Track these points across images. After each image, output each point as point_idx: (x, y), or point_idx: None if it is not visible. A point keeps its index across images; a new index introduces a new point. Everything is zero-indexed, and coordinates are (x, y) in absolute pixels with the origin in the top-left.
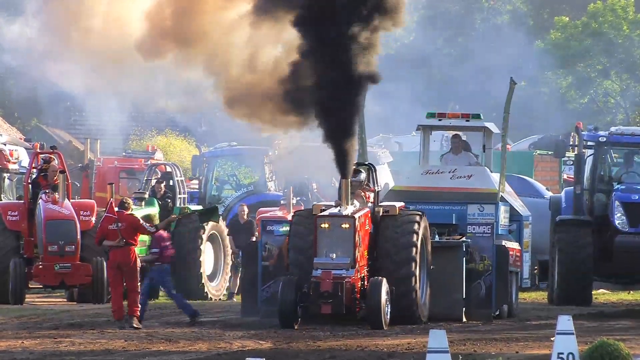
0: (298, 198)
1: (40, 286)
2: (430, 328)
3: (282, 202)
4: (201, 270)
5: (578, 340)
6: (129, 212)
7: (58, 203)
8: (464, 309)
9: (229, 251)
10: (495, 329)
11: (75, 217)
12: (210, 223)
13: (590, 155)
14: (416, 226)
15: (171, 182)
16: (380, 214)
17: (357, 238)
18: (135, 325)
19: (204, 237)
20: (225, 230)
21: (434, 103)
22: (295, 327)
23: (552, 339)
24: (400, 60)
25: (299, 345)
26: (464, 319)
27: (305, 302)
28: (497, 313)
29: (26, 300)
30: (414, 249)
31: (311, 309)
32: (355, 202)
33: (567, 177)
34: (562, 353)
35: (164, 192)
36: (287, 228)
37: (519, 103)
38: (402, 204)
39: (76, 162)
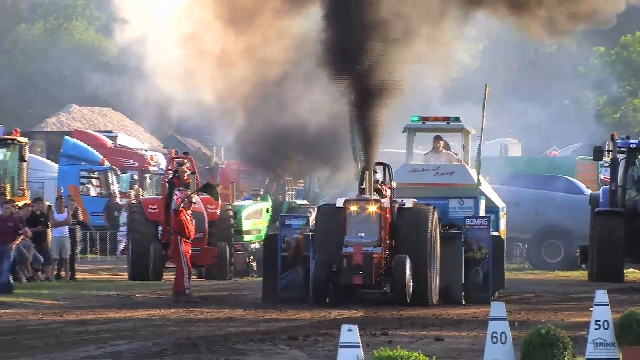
0: None
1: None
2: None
3: None
4: None
5: (612, 310)
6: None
7: None
8: (463, 293)
9: None
10: (544, 301)
11: (204, 209)
12: None
13: (623, 159)
14: (429, 218)
15: (281, 182)
16: (397, 206)
17: (382, 220)
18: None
19: None
20: None
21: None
22: (327, 301)
23: (590, 309)
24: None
25: (384, 314)
26: (463, 302)
27: (336, 277)
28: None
29: (163, 277)
30: (427, 239)
31: (343, 281)
32: (375, 194)
33: (604, 177)
34: (598, 320)
35: (275, 189)
36: (304, 222)
37: (565, 117)
38: (415, 199)
39: (204, 165)
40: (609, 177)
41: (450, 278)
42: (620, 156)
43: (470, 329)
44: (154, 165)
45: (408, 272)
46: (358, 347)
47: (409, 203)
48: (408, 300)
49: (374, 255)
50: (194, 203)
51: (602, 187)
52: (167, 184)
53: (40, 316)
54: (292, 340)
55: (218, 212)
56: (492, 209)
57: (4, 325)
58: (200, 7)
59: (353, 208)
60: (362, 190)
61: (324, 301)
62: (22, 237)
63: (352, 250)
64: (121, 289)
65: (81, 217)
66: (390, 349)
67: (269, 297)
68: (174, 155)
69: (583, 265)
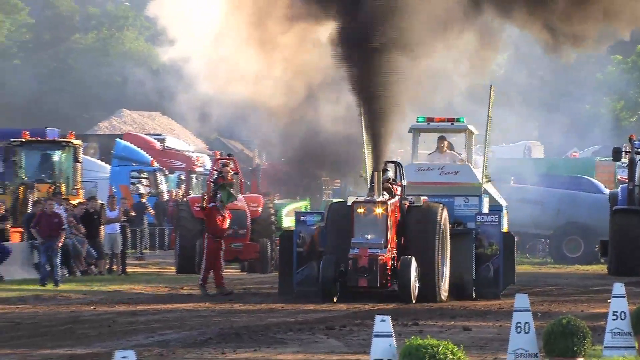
0: None
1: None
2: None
3: None
4: None
5: (628, 301)
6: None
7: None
8: (474, 288)
9: None
10: (565, 293)
11: (246, 207)
12: None
13: None
14: (438, 216)
15: (318, 182)
16: (407, 204)
17: (389, 222)
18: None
19: None
20: None
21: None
22: (335, 301)
23: (608, 301)
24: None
25: (416, 306)
26: (474, 297)
27: (343, 278)
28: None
29: None
30: (436, 236)
31: (349, 283)
32: (385, 194)
33: (621, 177)
34: (616, 311)
35: (313, 189)
36: (319, 218)
37: (584, 121)
38: (425, 197)
39: (247, 166)
40: (626, 177)
41: (462, 273)
42: (638, 157)
43: (496, 319)
44: (200, 166)
45: (414, 274)
46: (391, 336)
47: (419, 201)
48: (413, 301)
49: (380, 258)
50: (223, 202)
51: (620, 186)
52: (212, 184)
53: (93, 307)
54: (329, 330)
55: (260, 210)
56: (495, 207)
57: (59, 316)
58: (237, 23)
59: (360, 210)
60: (372, 189)
61: (332, 300)
62: (64, 234)
63: (358, 253)
64: (169, 282)
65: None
66: (421, 338)
67: (284, 292)
68: (218, 157)
69: (602, 259)
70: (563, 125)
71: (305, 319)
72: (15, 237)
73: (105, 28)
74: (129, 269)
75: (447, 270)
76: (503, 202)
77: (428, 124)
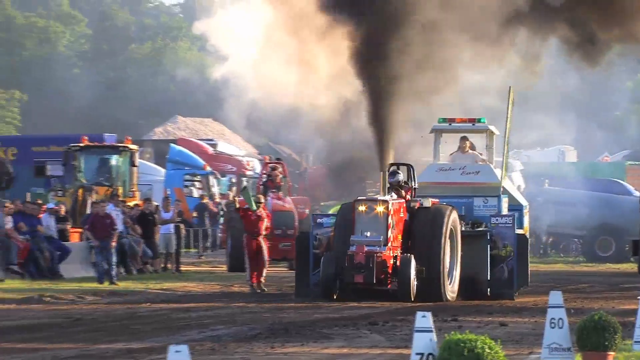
0: None
1: (269, 259)
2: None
3: None
4: None
5: None
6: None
7: (282, 199)
8: (488, 289)
9: None
10: (597, 290)
11: (294, 209)
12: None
13: None
14: (445, 217)
15: (362, 185)
16: (417, 206)
17: (389, 220)
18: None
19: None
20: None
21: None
22: (334, 298)
23: (638, 297)
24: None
25: (454, 304)
26: (489, 296)
27: (341, 274)
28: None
29: None
30: (442, 237)
31: (346, 279)
32: (393, 194)
33: None
34: None
35: (357, 191)
36: (335, 220)
37: (616, 127)
38: (436, 200)
39: (294, 169)
40: None
41: (477, 274)
42: None
43: (531, 315)
44: (250, 170)
45: (413, 272)
46: (431, 331)
47: (427, 203)
48: (412, 299)
49: (377, 255)
50: (261, 203)
51: None
52: (261, 187)
53: (148, 304)
54: (372, 326)
55: (307, 211)
56: (516, 206)
57: (116, 312)
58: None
59: (361, 208)
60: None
61: (331, 298)
62: (116, 234)
63: (355, 249)
64: (221, 279)
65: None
66: (460, 333)
67: (301, 293)
68: (268, 161)
69: (632, 259)
70: (595, 131)
71: (349, 315)
72: (74, 237)
73: (160, 38)
74: (183, 268)
75: (456, 272)
76: (523, 202)
77: (449, 124)
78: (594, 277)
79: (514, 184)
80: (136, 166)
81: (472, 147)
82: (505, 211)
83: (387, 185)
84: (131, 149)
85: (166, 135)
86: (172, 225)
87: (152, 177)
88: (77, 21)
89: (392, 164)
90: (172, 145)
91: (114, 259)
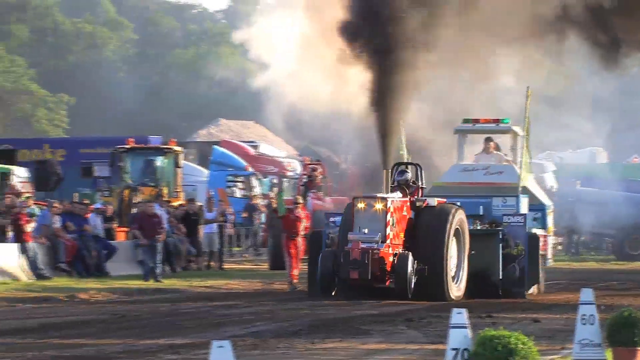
0: None
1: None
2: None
3: None
4: None
5: None
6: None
7: (321, 199)
8: (500, 288)
9: None
10: (627, 287)
11: (333, 208)
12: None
13: None
14: (450, 216)
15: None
16: (423, 205)
17: (389, 218)
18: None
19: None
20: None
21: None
22: (333, 294)
23: None
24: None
25: (488, 301)
26: (501, 296)
27: (338, 271)
28: (529, 292)
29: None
30: (446, 235)
31: (342, 275)
32: (398, 193)
33: None
34: None
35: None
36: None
37: None
38: (444, 199)
39: (333, 170)
40: None
41: (489, 273)
42: None
43: (563, 312)
44: (291, 171)
45: (410, 269)
46: (466, 327)
47: (433, 202)
48: (409, 296)
49: (373, 252)
50: (299, 204)
51: None
52: (302, 187)
53: (192, 301)
54: (409, 322)
55: None
56: (539, 206)
57: (161, 308)
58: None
59: (360, 205)
60: (391, 189)
61: (330, 294)
62: (163, 233)
63: (351, 246)
64: (262, 277)
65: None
66: (494, 329)
67: (314, 291)
68: (307, 162)
69: None
70: (625, 133)
71: (387, 311)
72: (120, 236)
73: (203, 44)
74: (226, 266)
75: (463, 271)
76: (547, 202)
77: (473, 125)
78: (624, 275)
79: (546, 184)
80: (180, 167)
81: (497, 148)
82: (524, 211)
83: (394, 183)
84: (175, 151)
85: (209, 138)
86: (215, 225)
87: (196, 178)
88: (123, 27)
89: (399, 163)
90: (215, 147)
91: (160, 257)
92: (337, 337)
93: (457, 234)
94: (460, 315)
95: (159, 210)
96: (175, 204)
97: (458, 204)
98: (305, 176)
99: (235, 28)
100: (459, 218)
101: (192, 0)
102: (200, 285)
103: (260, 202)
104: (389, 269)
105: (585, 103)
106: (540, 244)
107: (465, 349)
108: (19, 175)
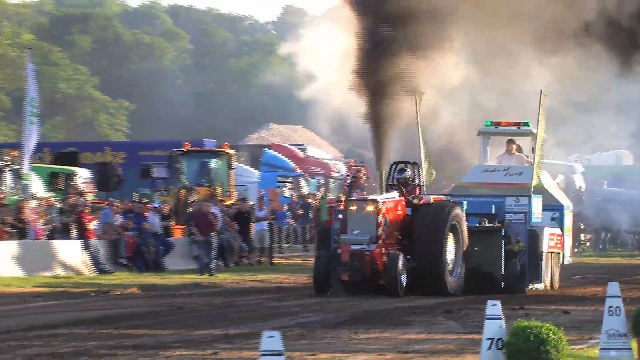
0: None
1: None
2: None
3: None
4: None
5: None
6: None
7: None
8: (502, 283)
9: None
10: None
11: None
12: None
13: None
14: (445, 213)
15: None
16: (420, 203)
17: (380, 219)
18: None
19: None
20: None
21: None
22: (328, 294)
23: None
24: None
25: (507, 293)
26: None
27: (333, 272)
28: (531, 287)
29: None
30: (443, 231)
31: (335, 277)
32: (395, 192)
33: None
34: None
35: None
36: None
37: None
38: (442, 196)
39: (374, 171)
40: None
41: (492, 269)
42: None
43: (591, 304)
44: (336, 172)
45: (400, 268)
46: (501, 318)
47: (429, 200)
48: (401, 294)
49: (365, 253)
50: (341, 202)
51: None
52: (346, 187)
53: (244, 294)
54: (447, 313)
55: None
56: (556, 206)
57: (215, 301)
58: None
59: (353, 208)
60: (388, 187)
61: (325, 293)
62: (218, 230)
63: (342, 248)
64: (310, 272)
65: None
66: (526, 320)
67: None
68: (352, 164)
69: None
70: None
71: (426, 304)
72: (177, 233)
73: (255, 54)
74: (276, 261)
75: (462, 266)
76: (565, 202)
77: (495, 127)
78: None
79: (575, 184)
80: (233, 169)
81: (519, 150)
82: (537, 210)
83: (394, 182)
84: (229, 153)
85: (260, 141)
86: (265, 223)
87: (248, 179)
88: (179, 38)
89: (397, 162)
90: (266, 150)
91: (214, 253)
92: (380, 328)
93: (454, 229)
94: (495, 307)
95: (214, 209)
96: (228, 203)
97: (463, 201)
98: (349, 177)
99: (284, 39)
100: (455, 214)
101: (244, 12)
102: (251, 280)
103: (310, 201)
104: (381, 268)
105: (612, 107)
106: (554, 242)
107: (499, 339)
108: (82, 176)
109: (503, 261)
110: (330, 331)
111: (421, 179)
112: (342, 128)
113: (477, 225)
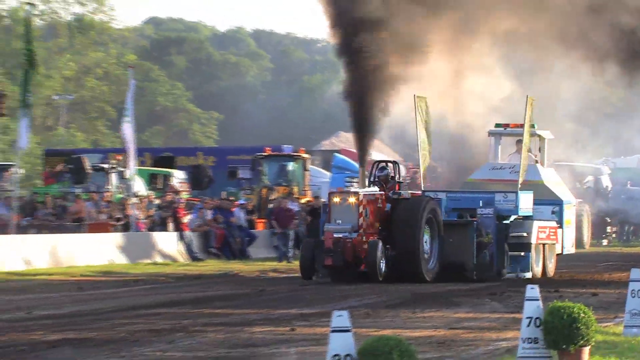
0: None
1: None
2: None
3: None
4: None
5: None
6: None
7: None
8: (474, 271)
9: None
10: None
11: None
12: None
13: None
14: (421, 207)
15: None
16: (399, 198)
17: (361, 209)
18: None
19: None
20: None
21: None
22: (313, 279)
23: None
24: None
25: (555, 278)
26: (475, 279)
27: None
28: (505, 276)
29: None
30: (419, 223)
31: (319, 263)
32: (375, 187)
33: None
34: None
35: None
36: None
37: None
38: (419, 192)
39: (431, 173)
40: None
41: (464, 259)
42: None
43: (617, 287)
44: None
45: (379, 255)
46: (538, 300)
47: (407, 195)
48: (380, 279)
49: (346, 240)
50: None
51: None
52: (406, 186)
53: (316, 278)
54: (492, 295)
55: None
56: (555, 201)
57: (291, 285)
58: None
59: (336, 199)
60: (371, 184)
61: (310, 278)
62: (295, 224)
63: (325, 236)
64: None
65: None
66: (561, 302)
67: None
68: (411, 167)
69: None
70: None
71: (474, 287)
72: (259, 226)
73: (327, 71)
74: None
75: (437, 255)
76: (566, 198)
77: (504, 129)
78: None
79: (602, 184)
80: (308, 171)
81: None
82: (526, 205)
83: (375, 179)
84: (304, 157)
85: (331, 147)
86: None
87: (320, 180)
88: (261, 58)
89: (379, 161)
90: (336, 154)
91: (291, 243)
92: (434, 308)
93: (430, 222)
94: (533, 290)
95: (291, 205)
96: (303, 200)
97: (441, 197)
98: (408, 178)
99: None
100: (430, 208)
101: (318, 36)
102: None
103: None
104: (363, 255)
105: (636, 117)
106: (546, 234)
107: (537, 318)
108: (178, 177)
109: (475, 252)
110: (391, 311)
111: (400, 176)
112: (401, 134)
113: (456, 219)
